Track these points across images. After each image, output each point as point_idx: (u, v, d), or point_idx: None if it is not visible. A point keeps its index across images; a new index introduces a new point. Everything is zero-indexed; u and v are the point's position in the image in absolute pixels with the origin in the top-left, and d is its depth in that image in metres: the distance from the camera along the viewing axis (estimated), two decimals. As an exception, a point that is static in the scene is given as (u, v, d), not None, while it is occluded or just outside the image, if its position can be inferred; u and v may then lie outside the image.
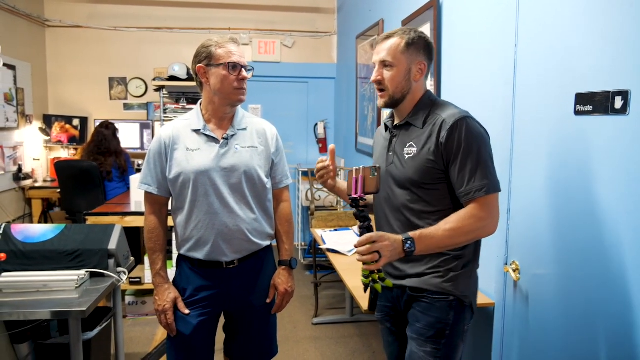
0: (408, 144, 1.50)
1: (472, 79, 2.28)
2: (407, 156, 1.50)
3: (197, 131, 1.78)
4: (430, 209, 1.48)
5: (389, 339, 1.71)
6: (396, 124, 1.58)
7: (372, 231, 1.36)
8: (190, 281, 1.82)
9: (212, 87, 1.75)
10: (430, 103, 1.53)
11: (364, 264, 1.34)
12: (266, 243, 1.88)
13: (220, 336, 1.94)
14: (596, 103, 1.40)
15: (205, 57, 1.75)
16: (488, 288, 2.06)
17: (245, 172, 1.78)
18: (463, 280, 1.50)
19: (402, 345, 1.64)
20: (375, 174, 1.38)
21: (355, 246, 1.34)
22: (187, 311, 1.79)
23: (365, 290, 1.47)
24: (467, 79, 2.34)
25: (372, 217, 1.49)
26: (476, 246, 1.54)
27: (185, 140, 1.77)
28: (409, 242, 1.34)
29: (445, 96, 2.59)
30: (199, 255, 1.78)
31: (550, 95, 1.62)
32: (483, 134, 1.44)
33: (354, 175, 1.41)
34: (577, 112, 1.48)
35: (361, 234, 1.36)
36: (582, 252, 1.48)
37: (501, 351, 1.91)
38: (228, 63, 1.72)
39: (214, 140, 1.78)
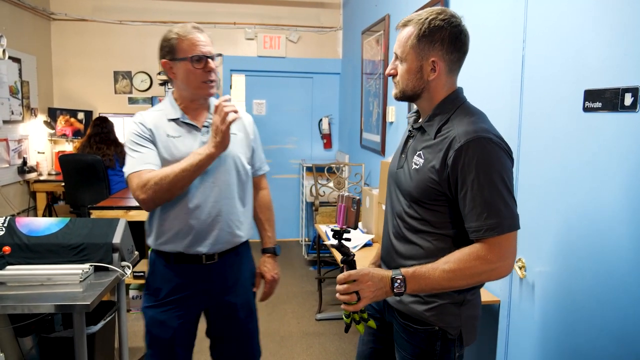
0: (417, 153, 1.32)
1: (479, 75, 2.26)
2: (413, 166, 1.31)
3: (175, 120, 1.70)
4: (426, 229, 1.30)
5: (367, 337, 1.57)
6: (413, 125, 1.40)
7: (354, 267, 1.24)
8: (166, 280, 1.72)
9: (180, 82, 1.68)
10: (453, 108, 1.30)
11: (343, 302, 1.22)
12: (246, 237, 1.81)
13: (205, 341, 1.89)
14: (605, 100, 1.38)
15: (168, 52, 1.65)
16: (493, 285, 2.05)
17: (230, 161, 1.71)
18: (451, 309, 1.30)
19: (378, 350, 1.54)
20: (355, 207, 1.26)
21: (336, 282, 1.24)
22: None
23: (346, 331, 1.36)
24: (473, 75, 2.32)
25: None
26: None
27: (165, 128, 1.69)
28: (398, 281, 1.18)
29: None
30: (179, 247, 1.69)
31: (558, 92, 1.61)
32: (500, 159, 1.20)
33: (339, 202, 1.28)
34: (585, 109, 1.46)
35: (342, 270, 1.25)
36: (590, 249, 1.47)
37: (506, 349, 1.90)
38: (192, 57, 1.62)
39: (195, 128, 1.71)
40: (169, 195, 1.60)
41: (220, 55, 1.71)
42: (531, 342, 1.76)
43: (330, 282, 4.26)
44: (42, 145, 4.88)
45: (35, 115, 4.73)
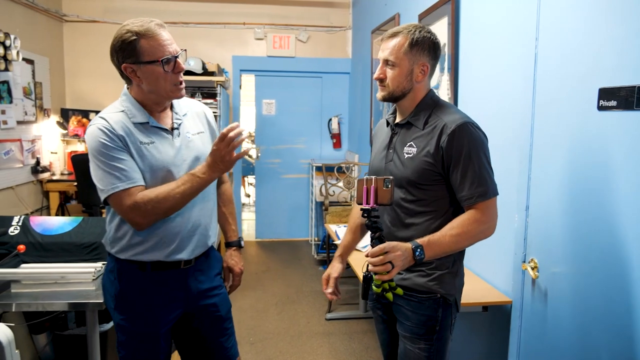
0: (408, 144, 1.53)
1: (491, 73, 2.25)
2: (406, 155, 1.52)
3: (143, 124, 1.55)
4: (423, 209, 1.51)
5: (381, 326, 1.75)
6: (397, 122, 1.60)
7: (384, 241, 1.37)
8: (142, 290, 1.60)
9: (147, 87, 1.52)
10: (432, 104, 1.54)
11: (375, 274, 1.36)
12: (214, 237, 1.75)
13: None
14: (620, 98, 1.36)
15: (129, 54, 1.47)
16: (505, 286, 2.04)
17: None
18: (448, 279, 1.54)
19: (393, 332, 1.69)
20: (389, 185, 1.37)
21: (368, 256, 1.36)
22: None
23: (377, 299, 1.47)
24: (485, 74, 2.31)
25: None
26: None
27: (135, 134, 1.53)
28: (418, 250, 1.38)
29: (462, 92, 2.56)
30: (159, 255, 1.56)
31: (572, 90, 1.59)
32: (483, 140, 1.47)
33: (364, 185, 1.39)
34: (600, 108, 1.45)
35: (373, 245, 1.37)
36: (604, 250, 1.45)
37: (518, 350, 1.89)
38: (162, 60, 1.47)
39: (165, 131, 1.58)
40: (165, 216, 1.53)
41: (184, 50, 1.58)
42: (543, 344, 1.74)
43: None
44: (54, 146, 4.93)
45: (48, 116, 4.78)
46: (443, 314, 1.54)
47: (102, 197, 1.52)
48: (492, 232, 1.47)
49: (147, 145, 1.53)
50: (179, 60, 1.53)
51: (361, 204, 1.40)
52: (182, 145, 1.60)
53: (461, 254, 1.58)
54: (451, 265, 1.54)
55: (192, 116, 1.68)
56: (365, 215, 1.39)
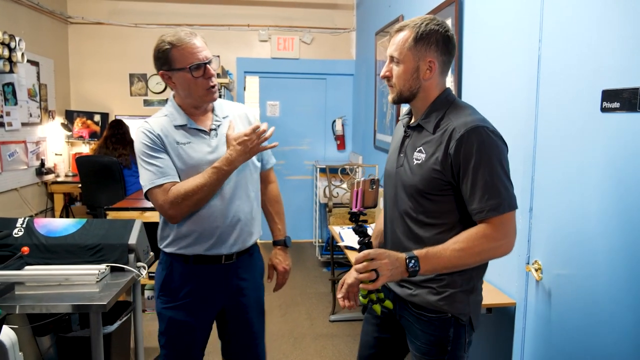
0: (417, 149, 1.40)
1: (494, 75, 2.24)
2: (415, 162, 1.39)
3: (182, 126, 1.68)
4: (433, 221, 1.37)
5: (369, 328, 1.63)
6: (409, 125, 1.48)
7: (371, 247, 1.29)
8: (185, 281, 1.72)
9: (182, 92, 1.66)
10: (447, 104, 1.39)
11: (361, 282, 1.26)
12: (258, 234, 1.83)
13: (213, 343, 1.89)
14: (624, 100, 1.36)
15: (164, 62, 1.61)
16: (509, 287, 2.03)
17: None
18: (461, 297, 1.39)
19: (380, 337, 1.59)
20: (374, 187, 1.31)
21: (353, 263, 1.27)
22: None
23: (363, 312, 1.39)
24: (489, 75, 2.30)
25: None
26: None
27: (173, 135, 1.66)
28: (412, 261, 1.25)
29: (466, 93, 2.55)
30: (200, 249, 1.69)
31: (575, 92, 1.58)
32: (498, 146, 1.30)
33: (354, 188, 1.34)
34: (603, 109, 1.44)
35: (360, 250, 1.28)
36: (608, 252, 1.44)
37: (522, 352, 1.88)
38: (190, 66, 1.59)
39: (203, 132, 1.69)
40: (196, 208, 1.64)
41: (218, 56, 1.68)
42: (547, 346, 1.74)
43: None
44: (59, 147, 4.95)
45: (53, 118, 4.80)
46: (455, 333, 1.40)
47: (144, 192, 1.65)
48: (508, 251, 1.30)
49: (183, 145, 1.66)
50: (209, 66, 1.63)
51: (351, 209, 1.35)
52: (219, 144, 1.69)
53: (480, 270, 1.42)
54: (466, 282, 1.39)
55: (233, 118, 1.77)
56: (353, 219, 1.32)
